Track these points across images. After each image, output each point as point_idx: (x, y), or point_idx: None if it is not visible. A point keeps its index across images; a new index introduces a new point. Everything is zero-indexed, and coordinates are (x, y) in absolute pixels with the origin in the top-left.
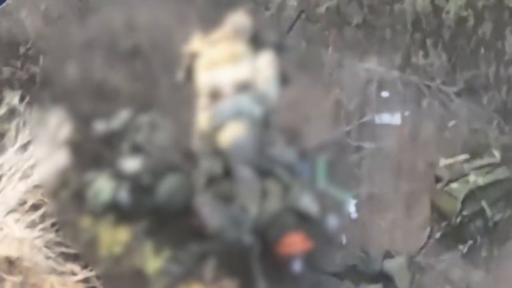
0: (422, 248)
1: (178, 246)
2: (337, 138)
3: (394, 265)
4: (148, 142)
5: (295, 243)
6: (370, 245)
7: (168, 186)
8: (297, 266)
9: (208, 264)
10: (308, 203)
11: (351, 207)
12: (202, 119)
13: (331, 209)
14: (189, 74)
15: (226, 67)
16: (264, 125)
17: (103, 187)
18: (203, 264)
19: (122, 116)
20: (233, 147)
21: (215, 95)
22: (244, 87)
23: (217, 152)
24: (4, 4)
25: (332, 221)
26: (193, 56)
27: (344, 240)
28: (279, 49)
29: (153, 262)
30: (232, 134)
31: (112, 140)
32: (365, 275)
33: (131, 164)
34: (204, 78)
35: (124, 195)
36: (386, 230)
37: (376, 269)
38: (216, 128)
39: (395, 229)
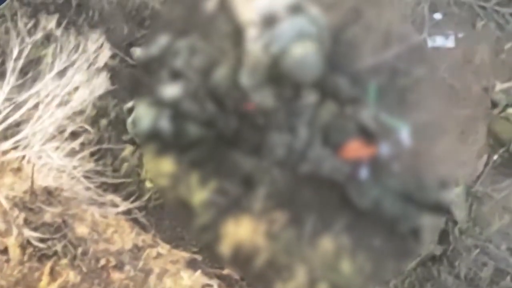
0: (479, 176)
1: (225, 176)
2: (387, 61)
3: (450, 195)
4: (187, 67)
5: (359, 148)
6: (425, 174)
7: None
8: (364, 173)
9: (257, 195)
10: (366, 117)
11: (404, 135)
12: (255, 49)
13: (383, 136)
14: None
15: None
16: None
17: (143, 114)
18: (251, 195)
19: (160, 42)
20: (301, 66)
21: (268, 22)
22: (295, 9)
23: (278, 79)
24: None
25: (385, 149)
26: None
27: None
28: None
29: (198, 193)
30: (301, 53)
31: (151, 67)
32: (420, 205)
33: (170, 90)
34: (250, 7)
35: (165, 123)
36: (440, 159)
37: (431, 199)
38: (277, 54)
39: (450, 158)
